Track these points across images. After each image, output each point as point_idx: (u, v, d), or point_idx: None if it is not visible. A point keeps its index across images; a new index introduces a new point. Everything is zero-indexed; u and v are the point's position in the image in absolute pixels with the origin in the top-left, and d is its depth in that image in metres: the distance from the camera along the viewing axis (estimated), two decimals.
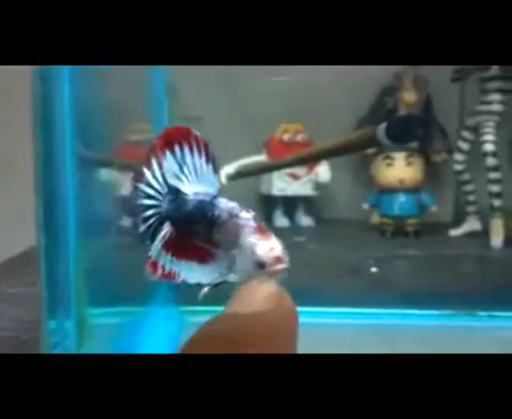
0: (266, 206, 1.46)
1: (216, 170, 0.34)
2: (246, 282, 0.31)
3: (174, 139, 0.33)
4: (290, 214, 1.46)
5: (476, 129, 1.29)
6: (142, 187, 0.34)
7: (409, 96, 1.38)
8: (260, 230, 0.31)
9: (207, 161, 0.33)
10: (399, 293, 0.95)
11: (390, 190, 1.34)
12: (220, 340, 0.28)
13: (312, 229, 1.43)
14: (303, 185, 1.42)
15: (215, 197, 0.33)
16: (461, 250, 1.20)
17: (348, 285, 1.00)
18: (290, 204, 1.45)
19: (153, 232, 0.35)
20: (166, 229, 0.34)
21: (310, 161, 1.17)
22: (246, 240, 0.31)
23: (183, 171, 0.33)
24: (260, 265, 0.31)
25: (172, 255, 0.34)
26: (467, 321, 0.83)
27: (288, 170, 1.38)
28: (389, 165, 1.34)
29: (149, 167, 0.34)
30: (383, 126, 0.73)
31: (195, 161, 0.33)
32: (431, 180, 1.42)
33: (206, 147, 0.34)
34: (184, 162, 0.33)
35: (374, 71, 1.33)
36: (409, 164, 1.33)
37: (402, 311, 0.88)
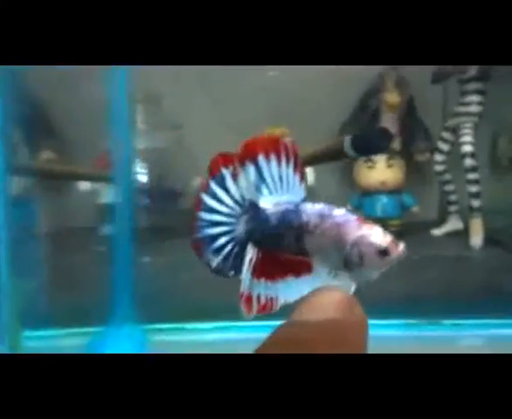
0: None
1: (303, 177, 0.31)
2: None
3: (259, 150, 0.30)
4: None
5: (455, 130, 1.30)
6: (206, 215, 0.31)
7: (392, 97, 1.39)
8: (363, 221, 0.29)
9: (295, 168, 0.30)
10: (370, 301, 0.96)
11: (372, 192, 1.35)
12: (288, 350, 0.26)
13: None
14: None
15: (299, 204, 0.30)
16: (440, 251, 1.21)
17: None
18: None
19: (233, 261, 0.31)
20: (250, 252, 0.31)
21: None
22: (356, 235, 0.29)
23: (266, 183, 0.30)
24: (384, 253, 0.29)
25: (266, 279, 0.31)
26: (431, 331, 0.83)
27: None
28: (370, 167, 1.35)
29: (220, 180, 0.31)
30: (349, 138, 0.75)
31: (282, 171, 0.30)
32: (415, 180, 1.43)
33: (296, 154, 0.31)
34: (270, 173, 0.30)
35: (357, 73, 1.34)
36: (390, 166, 1.35)
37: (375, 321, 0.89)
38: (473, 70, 1.24)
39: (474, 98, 1.26)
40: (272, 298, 0.31)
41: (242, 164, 0.30)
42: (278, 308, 0.30)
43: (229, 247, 0.31)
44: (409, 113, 1.43)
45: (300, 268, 0.30)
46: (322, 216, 0.30)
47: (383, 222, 1.33)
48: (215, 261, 0.31)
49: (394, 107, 1.40)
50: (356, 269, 0.29)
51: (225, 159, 0.31)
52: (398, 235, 1.10)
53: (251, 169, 0.30)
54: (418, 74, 1.33)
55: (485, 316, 0.85)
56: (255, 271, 0.31)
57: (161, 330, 0.97)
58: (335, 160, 1.12)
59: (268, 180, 0.30)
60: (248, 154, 0.30)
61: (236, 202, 0.31)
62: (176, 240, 1.27)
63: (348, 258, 0.29)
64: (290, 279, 0.31)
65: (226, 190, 0.31)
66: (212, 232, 0.31)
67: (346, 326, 0.27)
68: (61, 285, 0.97)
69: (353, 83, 1.40)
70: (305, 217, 0.30)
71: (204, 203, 0.31)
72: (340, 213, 0.29)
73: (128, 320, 0.85)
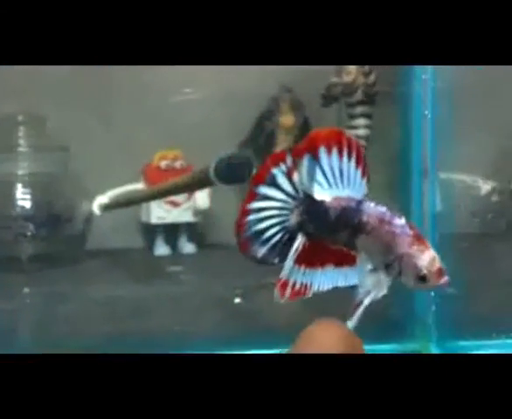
0: (147, 234, 1.44)
1: (365, 174, 0.32)
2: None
3: (320, 142, 0.31)
4: (172, 241, 1.43)
5: None
6: (254, 216, 0.33)
7: (286, 120, 1.38)
8: (418, 239, 0.30)
9: (357, 164, 0.31)
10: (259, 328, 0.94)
11: None
12: None
13: (193, 256, 1.41)
14: (183, 212, 1.40)
15: (361, 202, 0.31)
16: None
17: (208, 321, 0.98)
18: (172, 231, 1.43)
19: (279, 250, 0.33)
20: (298, 241, 0.32)
21: (152, 198, 1.15)
22: (403, 251, 0.29)
23: (325, 176, 0.31)
24: (422, 279, 0.29)
25: (305, 266, 0.32)
26: None
27: (167, 198, 1.36)
28: None
29: (271, 181, 0.32)
30: (212, 166, 0.72)
31: (343, 164, 0.31)
32: None
33: (358, 150, 0.32)
34: (331, 168, 0.31)
35: (253, 95, 1.34)
36: None
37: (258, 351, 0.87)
38: (359, 93, 1.24)
39: (362, 121, 1.26)
40: (306, 285, 0.32)
41: (300, 157, 0.31)
42: (310, 295, 0.32)
43: (278, 237, 0.33)
44: (304, 136, 1.42)
45: (344, 259, 0.32)
46: (382, 221, 0.30)
47: None
48: (261, 252, 0.33)
49: (289, 130, 1.39)
50: (393, 277, 0.31)
51: (275, 159, 0.32)
52: None
53: (309, 161, 0.31)
54: (314, 97, 1.32)
55: None
56: (298, 258, 0.32)
57: None
58: (204, 187, 1.10)
59: (328, 173, 0.31)
60: (309, 147, 0.31)
61: (289, 195, 0.32)
62: (62, 269, 1.22)
63: (389, 267, 0.30)
64: (328, 268, 0.32)
65: (278, 188, 0.32)
66: (261, 226, 0.33)
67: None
68: None
69: (249, 105, 1.38)
70: (365, 217, 0.31)
71: (252, 208, 0.32)
72: (399, 223, 0.30)
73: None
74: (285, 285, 0.32)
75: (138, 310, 1.03)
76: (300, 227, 0.32)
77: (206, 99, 1.34)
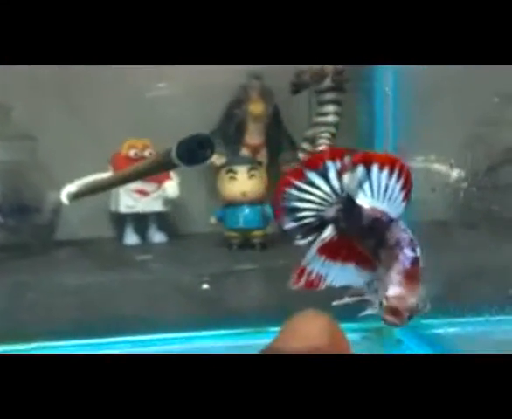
0: (117, 224, 1.43)
1: (406, 197, 0.34)
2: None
3: (376, 160, 0.33)
4: (142, 230, 1.42)
5: (314, 140, 1.30)
6: (295, 193, 0.35)
7: (256, 108, 1.38)
8: (408, 276, 0.32)
9: (402, 187, 0.33)
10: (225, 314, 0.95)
11: (234, 203, 1.33)
12: None
13: (163, 245, 1.40)
14: (152, 201, 1.39)
15: (392, 220, 0.34)
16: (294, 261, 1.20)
17: (177, 307, 0.98)
18: (142, 221, 1.42)
19: (306, 232, 0.36)
20: (328, 232, 0.35)
21: (118, 184, 1.14)
22: (392, 276, 0.32)
23: (371, 187, 0.33)
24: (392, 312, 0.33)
25: (325, 258, 0.35)
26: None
27: (136, 187, 1.35)
28: (232, 178, 1.33)
29: (322, 171, 0.34)
30: (174, 147, 0.72)
31: (389, 183, 0.33)
32: None
33: (408, 176, 0.33)
34: (378, 182, 0.33)
35: (221, 83, 1.33)
36: (251, 177, 1.33)
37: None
38: (328, 80, 1.24)
39: (331, 108, 1.26)
40: (321, 276, 0.35)
41: (354, 164, 0.33)
42: (322, 288, 0.35)
43: (310, 220, 0.35)
44: (274, 124, 1.42)
45: (366, 263, 0.34)
46: (398, 245, 0.33)
47: (246, 233, 1.31)
48: (290, 225, 0.36)
49: (259, 118, 1.39)
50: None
51: (333, 153, 0.35)
52: (262, 246, 1.07)
53: (362, 171, 0.33)
54: (284, 84, 1.32)
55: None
56: (321, 248, 0.35)
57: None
58: (168, 170, 1.09)
59: (375, 186, 0.33)
60: (365, 159, 0.33)
61: (334, 190, 0.35)
62: (30, 258, 1.21)
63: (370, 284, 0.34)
64: (349, 266, 0.35)
65: (326, 180, 0.35)
66: (299, 205, 0.35)
67: (329, 352, 0.29)
68: None
69: (218, 94, 1.38)
70: (388, 235, 0.34)
71: (296, 185, 0.34)
72: (407, 254, 0.33)
73: None
74: (302, 273, 0.35)
75: (107, 298, 1.03)
76: (334, 221, 0.35)
77: (175, 88, 1.33)
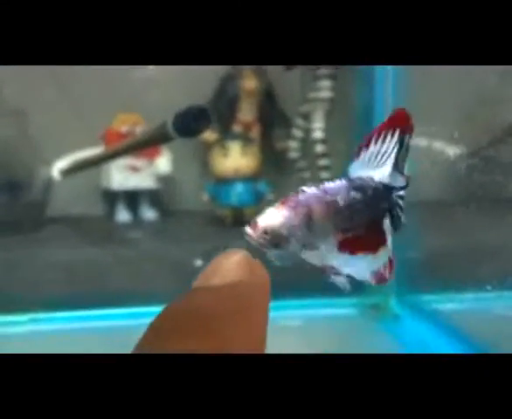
0: (108, 200, 1.42)
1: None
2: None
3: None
4: (134, 207, 1.42)
5: (308, 116, 1.29)
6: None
7: (249, 83, 1.37)
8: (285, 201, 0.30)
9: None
10: None
11: (226, 180, 1.32)
12: (191, 314, 0.25)
13: (154, 223, 1.40)
14: (144, 178, 1.38)
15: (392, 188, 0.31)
16: None
17: (169, 282, 0.98)
18: (133, 198, 1.41)
19: None
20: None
21: (110, 158, 1.13)
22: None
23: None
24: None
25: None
26: None
27: (127, 163, 1.34)
28: (224, 155, 1.32)
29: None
30: (170, 120, 0.71)
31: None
32: (274, 168, 1.42)
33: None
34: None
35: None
36: (244, 153, 1.32)
37: None
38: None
39: (325, 83, 1.25)
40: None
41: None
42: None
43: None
44: (268, 100, 1.41)
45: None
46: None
47: (238, 210, 1.31)
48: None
49: (252, 94, 1.38)
50: None
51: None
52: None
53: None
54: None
55: (307, 296, 0.86)
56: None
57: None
58: (163, 143, 1.08)
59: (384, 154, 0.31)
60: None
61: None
62: (21, 235, 1.20)
63: None
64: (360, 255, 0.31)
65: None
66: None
67: (250, 287, 0.28)
68: None
69: (210, 70, 1.36)
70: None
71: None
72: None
73: None
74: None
75: (97, 273, 1.03)
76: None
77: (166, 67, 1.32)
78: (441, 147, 0.99)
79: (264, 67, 1.38)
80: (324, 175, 1.25)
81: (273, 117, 1.41)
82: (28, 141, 1.29)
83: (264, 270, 0.29)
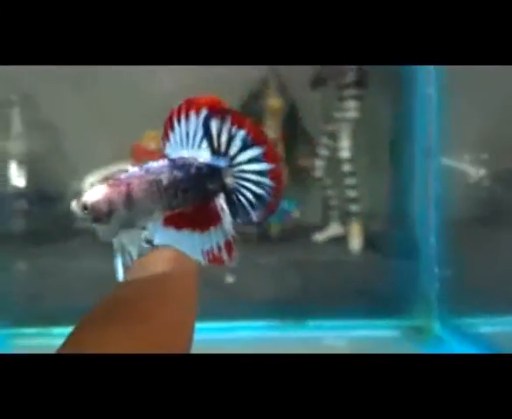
0: None
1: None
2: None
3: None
4: None
5: (334, 136, 1.32)
6: None
7: (274, 102, 1.39)
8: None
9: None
10: (250, 305, 0.95)
11: None
12: (118, 304, 0.28)
13: None
14: None
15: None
16: (319, 256, 1.22)
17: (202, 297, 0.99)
18: None
19: None
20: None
21: None
22: None
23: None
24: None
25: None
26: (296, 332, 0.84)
27: None
28: None
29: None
30: None
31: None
32: (297, 185, 1.43)
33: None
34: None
35: (239, 78, 1.34)
36: None
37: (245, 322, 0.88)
38: (350, 75, 1.25)
39: (352, 103, 1.27)
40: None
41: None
42: None
43: None
44: (291, 119, 1.43)
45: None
46: None
47: (263, 227, 1.32)
48: None
49: (277, 112, 1.40)
50: None
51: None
52: (280, 239, 1.08)
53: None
54: (300, 79, 1.33)
55: (351, 317, 0.87)
56: None
57: (26, 335, 0.94)
58: None
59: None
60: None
61: None
62: (51, 245, 1.22)
63: None
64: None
65: None
66: None
67: (177, 276, 0.30)
68: None
69: (236, 88, 1.38)
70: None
71: None
72: None
73: None
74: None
75: None
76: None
77: (195, 81, 1.34)
78: (472, 169, 1.01)
79: (288, 85, 1.40)
80: (351, 193, 1.27)
81: (296, 135, 1.43)
82: (60, 155, 1.31)
83: (193, 263, 0.31)
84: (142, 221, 0.32)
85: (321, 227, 1.39)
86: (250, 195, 0.32)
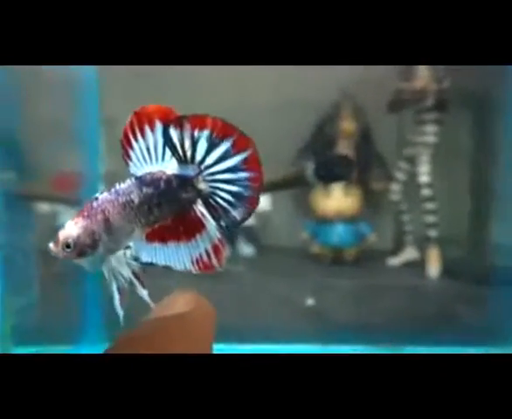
0: None
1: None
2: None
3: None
4: (232, 242, 1.44)
5: (412, 160, 1.30)
6: None
7: (348, 126, 1.39)
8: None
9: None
10: (330, 328, 0.95)
11: (328, 220, 1.34)
12: (143, 342, 0.28)
13: (251, 258, 1.41)
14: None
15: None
16: (396, 281, 1.21)
17: (281, 319, 0.99)
18: (230, 233, 1.43)
19: None
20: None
21: None
22: None
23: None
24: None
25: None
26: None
27: None
28: (326, 195, 1.34)
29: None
30: (311, 165, 0.73)
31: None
32: (371, 208, 1.42)
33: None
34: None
35: (313, 101, 1.34)
36: (346, 194, 1.34)
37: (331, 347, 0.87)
38: (430, 99, 1.24)
39: (431, 128, 1.26)
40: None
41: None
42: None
43: None
44: (364, 141, 1.42)
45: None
46: None
47: (338, 249, 1.32)
48: None
49: (350, 135, 1.39)
50: None
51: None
52: (354, 263, 1.07)
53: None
54: (375, 103, 1.32)
55: (437, 345, 0.86)
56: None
57: None
58: (295, 187, 1.10)
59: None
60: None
61: None
62: None
63: None
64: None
65: None
66: None
67: (195, 318, 0.30)
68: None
69: (310, 110, 1.39)
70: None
71: None
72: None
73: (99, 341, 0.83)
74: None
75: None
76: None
77: (266, 104, 1.34)
78: None
79: (362, 108, 1.40)
80: (431, 218, 1.26)
81: (369, 158, 1.42)
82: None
83: (210, 306, 0.31)
84: (125, 242, 0.32)
85: (394, 251, 1.38)
86: (227, 196, 0.31)
